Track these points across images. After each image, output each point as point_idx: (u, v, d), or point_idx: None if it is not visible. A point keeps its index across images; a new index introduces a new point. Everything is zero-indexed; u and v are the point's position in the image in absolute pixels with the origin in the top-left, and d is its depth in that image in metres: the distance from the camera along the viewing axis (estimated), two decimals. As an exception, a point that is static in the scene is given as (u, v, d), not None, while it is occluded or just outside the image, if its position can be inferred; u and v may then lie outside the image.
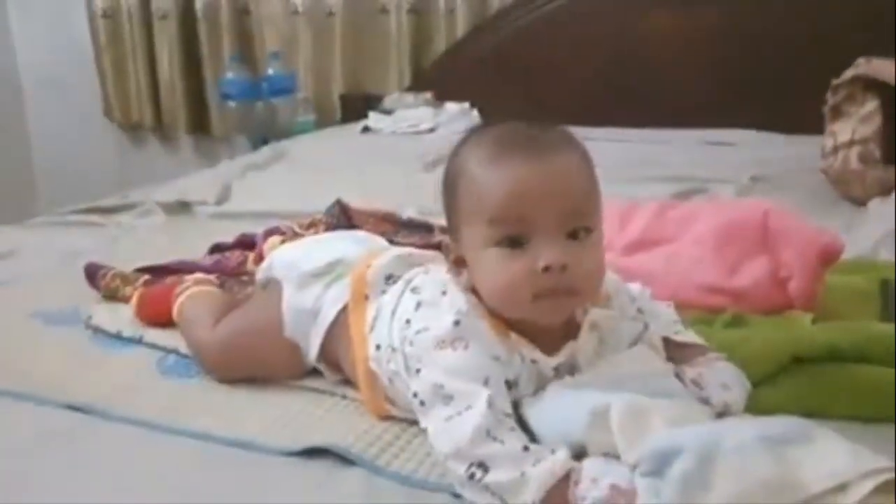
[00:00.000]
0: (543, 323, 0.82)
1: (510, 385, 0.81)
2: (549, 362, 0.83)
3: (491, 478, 0.72)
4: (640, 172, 1.79)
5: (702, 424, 0.74)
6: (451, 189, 0.85)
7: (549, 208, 0.79)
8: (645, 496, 0.68)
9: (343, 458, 0.81)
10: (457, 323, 0.81)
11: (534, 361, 0.82)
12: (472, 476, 0.73)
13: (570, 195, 0.80)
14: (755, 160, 1.92)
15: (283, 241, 1.25)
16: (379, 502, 0.76)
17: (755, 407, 0.83)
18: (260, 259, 1.22)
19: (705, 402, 0.80)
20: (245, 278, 1.25)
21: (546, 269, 0.78)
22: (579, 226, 0.80)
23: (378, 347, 0.89)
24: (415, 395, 0.81)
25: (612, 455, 0.72)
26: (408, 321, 0.86)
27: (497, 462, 0.72)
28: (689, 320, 0.95)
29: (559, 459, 0.71)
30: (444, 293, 0.86)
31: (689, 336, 0.91)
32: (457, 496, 0.75)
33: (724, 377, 0.83)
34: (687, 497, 0.66)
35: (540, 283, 0.79)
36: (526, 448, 0.73)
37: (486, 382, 0.78)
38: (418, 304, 0.86)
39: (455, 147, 0.86)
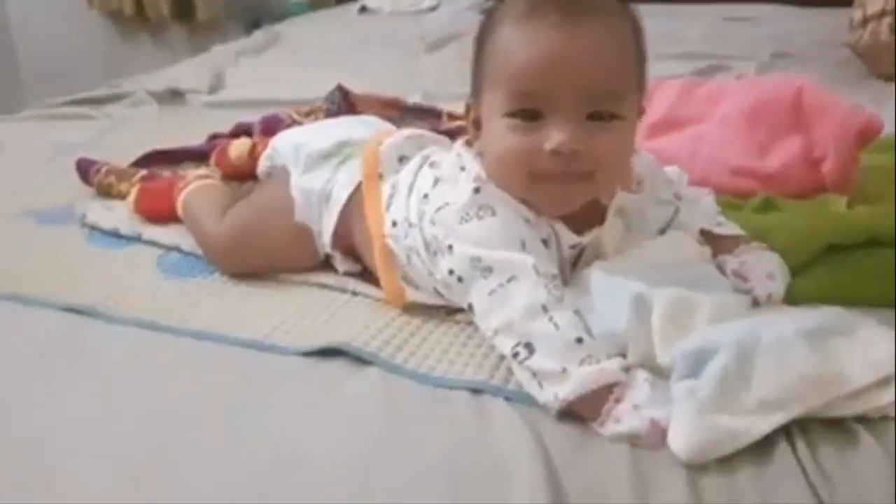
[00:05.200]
0: (543, 208, 0.77)
1: (546, 244, 0.77)
2: (569, 237, 0.78)
3: (534, 362, 0.69)
4: (655, 49, 1.68)
5: (739, 320, 0.70)
6: (479, 47, 0.80)
7: (571, 85, 0.72)
8: (680, 401, 0.64)
9: (358, 358, 0.78)
10: (477, 190, 0.77)
11: (555, 231, 0.78)
12: (516, 355, 0.70)
13: (597, 74, 0.73)
14: (776, 35, 1.84)
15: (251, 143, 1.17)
16: (397, 401, 0.72)
17: (790, 297, 0.80)
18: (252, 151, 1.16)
19: (747, 293, 0.76)
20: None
21: (553, 151, 0.72)
22: (604, 109, 0.74)
23: (395, 224, 0.85)
24: (451, 272, 0.77)
25: (657, 371, 0.69)
26: (426, 196, 0.82)
27: (545, 347, 0.69)
28: (718, 205, 0.91)
29: (607, 369, 0.67)
30: (462, 168, 0.81)
31: (731, 227, 0.87)
32: (475, 392, 0.72)
33: (769, 267, 0.80)
34: (725, 394, 0.63)
35: (541, 163, 0.74)
36: (580, 340, 0.69)
37: (523, 246, 0.74)
38: (436, 181, 0.82)
39: (495, 1, 0.80)
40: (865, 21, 1.51)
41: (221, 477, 0.64)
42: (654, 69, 1.45)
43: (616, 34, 0.75)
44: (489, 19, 0.79)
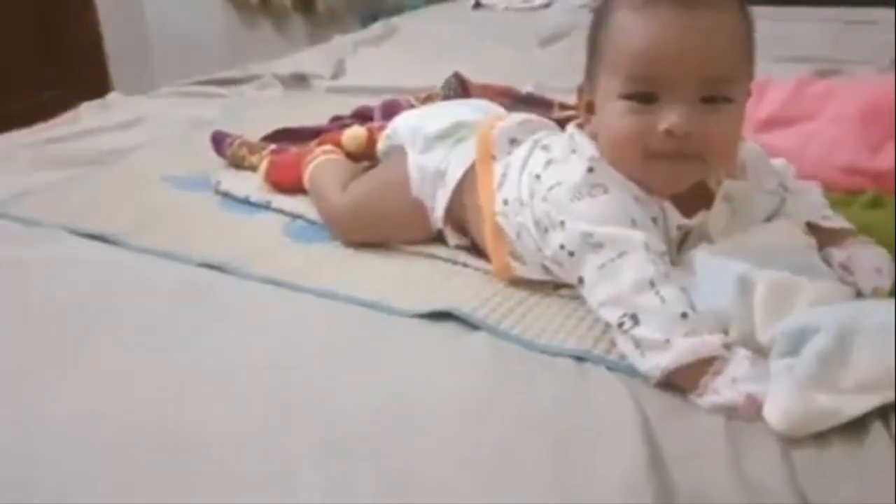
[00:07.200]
0: (655, 187, 0.80)
1: (655, 222, 0.80)
2: (677, 218, 0.81)
3: (638, 332, 0.72)
4: (773, 52, 1.67)
5: (841, 305, 0.72)
6: (595, 32, 0.83)
7: (687, 70, 0.76)
8: (778, 377, 0.67)
9: (466, 322, 0.82)
10: (591, 169, 0.81)
11: (664, 210, 0.81)
12: (621, 324, 0.73)
13: (712, 59, 0.76)
14: (896, 40, 1.78)
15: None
16: (503, 363, 0.77)
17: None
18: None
19: (853, 285, 0.78)
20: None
21: (668, 132, 0.76)
22: (718, 93, 0.77)
23: (506, 202, 0.90)
24: (562, 246, 0.81)
25: (757, 350, 0.71)
26: (537, 176, 0.86)
27: (650, 319, 0.72)
28: (827, 201, 0.91)
29: (709, 343, 0.70)
30: (573, 151, 0.85)
31: (838, 220, 0.87)
32: (578, 359, 0.76)
33: (876, 261, 0.81)
34: (823, 373, 0.65)
35: (656, 143, 0.77)
36: (684, 315, 0.72)
37: (633, 224, 0.77)
38: (548, 162, 0.86)
39: None
40: None
41: (340, 420, 0.69)
42: (770, 71, 1.47)
43: (730, 22, 0.78)
44: (604, 7, 0.82)
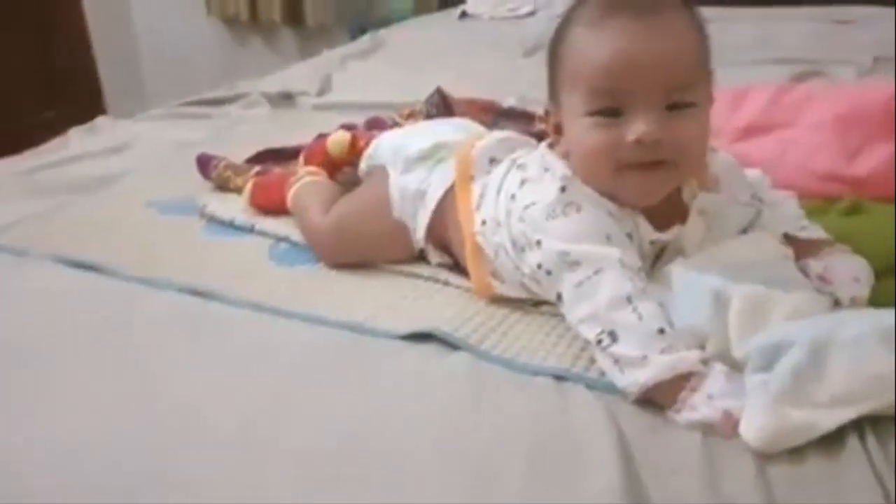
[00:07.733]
0: (630, 199, 0.81)
1: (630, 237, 0.81)
2: (649, 233, 0.82)
3: (616, 349, 0.73)
4: (753, 54, 1.70)
5: (816, 317, 0.72)
6: (555, 53, 0.84)
7: (650, 80, 0.76)
8: (753, 393, 0.67)
9: (447, 342, 0.83)
10: (563, 189, 0.81)
11: (637, 225, 0.81)
12: (600, 342, 0.74)
13: (673, 67, 0.77)
14: (878, 39, 1.79)
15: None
16: (483, 383, 0.77)
17: (874, 301, 0.80)
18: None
19: (830, 296, 0.78)
20: (346, 169, 1.26)
21: (637, 142, 0.76)
22: (681, 100, 0.78)
23: (484, 222, 0.91)
24: (539, 266, 0.81)
25: (734, 365, 0.71)
26: (513, 196, 0.87)
27: (627, 336, 0.72)
28: (804, 209, 0.92)
29: (686, 358, 0.70)
30: (546, 169, 0.85)
31: (815, 231, 0.88)
32: (558, 378, 0.77)
33: (854, 270, 0.81)
34: (797, 388, 0.66)
35: (626, 154, 0.77)
36: (661, 330, 0.72)
37: (608, 240, 0.78)
38: (522, 182, 0.87)
39: (568, 8, 0.84)
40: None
41: (317, 440, 0.71)
42: (751, 74, 1.48)
43: (685, 28, 0.79)
44: (562, 26, 0.83)
